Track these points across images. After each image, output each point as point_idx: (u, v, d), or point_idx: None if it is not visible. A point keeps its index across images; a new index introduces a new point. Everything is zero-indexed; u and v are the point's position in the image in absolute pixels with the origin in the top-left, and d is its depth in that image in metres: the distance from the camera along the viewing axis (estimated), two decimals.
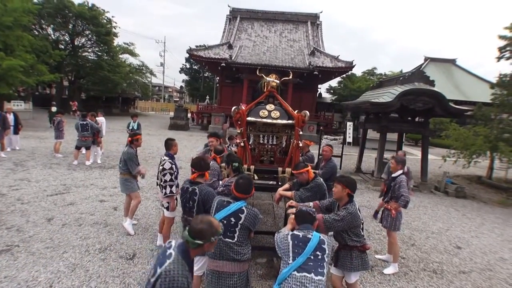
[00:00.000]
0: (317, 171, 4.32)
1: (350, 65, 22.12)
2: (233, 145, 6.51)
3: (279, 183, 4.36)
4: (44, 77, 16.81)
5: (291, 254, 2.18)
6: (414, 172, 9.08)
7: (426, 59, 29.20)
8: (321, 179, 3.65)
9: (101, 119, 10.50)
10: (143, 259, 3.97)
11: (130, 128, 10.07)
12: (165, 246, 1.83)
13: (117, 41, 28.75)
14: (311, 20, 27.13)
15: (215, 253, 2.51)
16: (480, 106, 11.01)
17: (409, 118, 10.04)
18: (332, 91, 33.25)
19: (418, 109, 8.80)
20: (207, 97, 37.52)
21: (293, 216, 2.60)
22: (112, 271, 3.64)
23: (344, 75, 27.61)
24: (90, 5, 25.70)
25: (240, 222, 2.52)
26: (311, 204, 3.21)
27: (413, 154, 17.70)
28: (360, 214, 2.87)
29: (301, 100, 22.75)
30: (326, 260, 2.20)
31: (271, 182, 4.96)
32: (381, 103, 8.65)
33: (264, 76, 4.71)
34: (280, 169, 4.17)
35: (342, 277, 3.10)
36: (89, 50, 27.60)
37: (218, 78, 29.67)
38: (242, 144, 4.31)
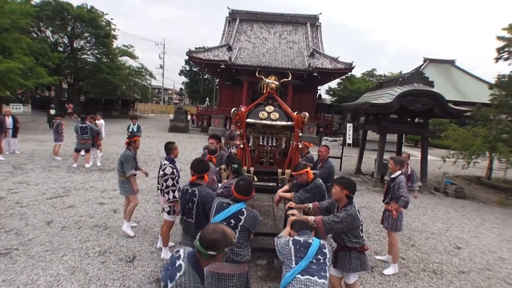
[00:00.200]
0: (315, 171, 4.32)
1: (349, 67, 22.18)
2: (233, 146, 6.50)
3: (279, 185, 4.35)
4: (43, 79, 16.72)
5: (293, 259, 2.18)
6: None
7: (425, 60, 29.32)
8: (320, 180, 3.66)
9: (100, 121, 10.50)
10: (143, 262, 3.96)
11: (130, 130, 10.09)
12: (174, 256, 1.70)
13: (116, 44, 28.88)
14: (311, 22, 27.21)
15: None
16: (479, 106, 11.04)
17: (409, 119, 10.03)
18: (331, 92, 33.37)
19: (417, 110, 8.83)
20: (207, 99, 37.54)
21: (292, 218, 2.60)
22: (111, 274, 3.63)
23: (344, 77, 27.70)
24: (89, 7, 25.66)
25: (240, 223, 2.51)
26: (310, 205, 3.21)
27: (412, 155, 17.62)
28: (360, 215, 2.87)
29: (301, 101, 22.77)
30: (328, 264, 2.21)
31: (271, 184, 4.94)
32: (380, 104, 8.67)
33: (263, 78, 4.69)
34: (279, 170, 4.17)
35: (341, 278, 3.09)
36: (88, 53, 27.55)
37: (217, 80, 29.73)
38: (241, 146, 4.31)
